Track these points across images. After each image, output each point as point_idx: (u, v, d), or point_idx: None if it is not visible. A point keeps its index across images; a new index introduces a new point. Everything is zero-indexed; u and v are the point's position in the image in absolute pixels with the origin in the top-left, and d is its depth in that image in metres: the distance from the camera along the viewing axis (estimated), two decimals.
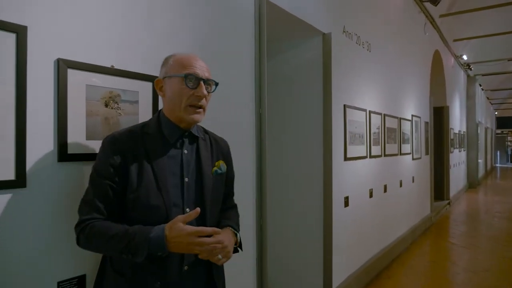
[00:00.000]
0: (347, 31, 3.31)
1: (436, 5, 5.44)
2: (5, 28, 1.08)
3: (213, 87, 1.19)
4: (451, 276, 3.91)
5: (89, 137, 1.30)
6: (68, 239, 1.23)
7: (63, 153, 1.22)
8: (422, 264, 4.29)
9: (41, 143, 1.17)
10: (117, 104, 1.39)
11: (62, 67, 1.22)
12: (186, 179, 1.16)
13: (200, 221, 1.15)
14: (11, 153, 1.10)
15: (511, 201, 8.94)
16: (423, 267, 4.19)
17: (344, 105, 3.22)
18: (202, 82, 1.14)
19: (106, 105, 1.36)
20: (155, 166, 1.11)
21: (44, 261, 1.18)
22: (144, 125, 1.18)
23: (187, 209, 1.14)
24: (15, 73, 1.11)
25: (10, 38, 1.10)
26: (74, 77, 1.25)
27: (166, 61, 1.19)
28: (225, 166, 1.30)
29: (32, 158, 1.15)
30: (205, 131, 1.31)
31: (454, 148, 8.95)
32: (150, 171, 1.10)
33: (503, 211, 7.76)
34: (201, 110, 1.16)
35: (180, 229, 1.00)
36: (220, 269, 1.26)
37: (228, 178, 1.34)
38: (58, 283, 1.22)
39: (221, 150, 1.31)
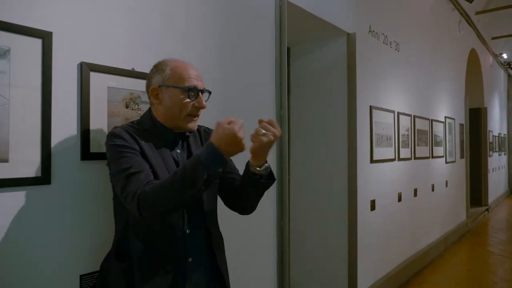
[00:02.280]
0: (373, 31, 3.25)
1: (471, 2, 5.21)
2: (32, 34, 1.15)
3: (207, 95, 1.22)
4: (487, 286, 3.71)
5: None
6: (90, 234, 1.29)
7: (86, 152, 1.28)
8: (456, 272, 4.09)
9: (65, 142, 1.24)
10: (138, 105, 1.44)
11: (85, 70, 1.28)
12: None
13: (198, 209, 1.17)
14: (37, 151, 1.17)
15: None
16: (457, 275, 3.99)
17: (370, 106, 3.15)
18: (200, 94, 1.17)
19: (127, 106, 1.41)
20: (154, 163, 1.11)
21: (67, 255, 1.23)
22: (139, 122, 1.19)
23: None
24: (41, 76, 1.18)
25: (36, 44, 1.17)
26: (96, 79, 1.31)
27: (160, 68, 1.17)
28: None
29: (56, 156, 1.21)
30: None
31: (493, 152, 8.50)
32: (162, 164, 1.13)
33: None
34: (197, 118, 1.20)
35: (217, 127, 0.99)
36: (224, 262, 1.26)
37: (230, 168, 1.30)
38: (81, 276, 1.27)
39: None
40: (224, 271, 1.24)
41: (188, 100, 1.15)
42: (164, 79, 1.16)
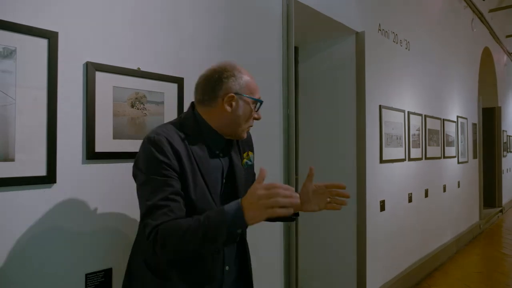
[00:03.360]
0: (383, 29, 3.20)
1: (484, 0, 5.10)
2: (38, 34, 1.16)
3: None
4: None
5: (115, 136, 1.35)
6: (95, 233, 1.29)
7: (91, 151, 1.28)
8: (468, 275, 4.01)
9: (70, 141, 1.24)
10: (143, 104, 1.44)
11: (91, 70, 1.29)
12: (224, 181, 1.15)
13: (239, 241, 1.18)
14: (43, 151, 1.18)
15: None
16: (469, 278, 3.91)
17: (380, 106, 3.11)
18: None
19: (132, 106, 1.41)
20: (204, 173, 1.06)
21: (73, 253, 1.24)
22: (182, 123, 1.11)
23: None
24: (47, 76, 1.19)
25: (42, 44, 1.18)
26: (101, 79, 1.32)
27: (235, 75, 1.11)
28: (253, 157, 1.28)
29: (62, 155, 1.22)
30: None
31: (507, 152, 8.32)
32: (201, 179, 1.06)
33: None
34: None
35: (251, 189, 0.91)
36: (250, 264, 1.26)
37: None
38: (86, 275, 1.28)
39: (247, 142, 1.28)
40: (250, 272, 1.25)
41: (253, 111, 1.14)
42: (241, 88, 1.11)
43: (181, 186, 1.01)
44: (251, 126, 1.18)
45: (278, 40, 2.12)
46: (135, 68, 1.42)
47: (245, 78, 1.13)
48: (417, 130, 3.81)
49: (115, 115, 1.36)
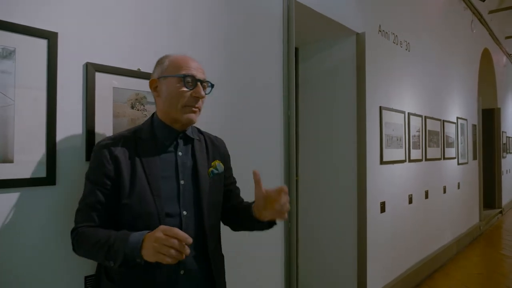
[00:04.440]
0: (383, 30, 3.20)
1: (484, 1, 5.11)
2: (37, 35, 1.15)
3: (209, 88, 1.18)
4: None
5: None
6: None
7: (91, 152, 1.27)
8: (468, 276, 4.00)
9: (70, 142, 1.23)
10: (143, 106, 1.43)
11: (90, 70, 1.28)
12: (182, 182, 1.13)
13: (198, 226, 1.13)
14: (42, 152, 1.16)
15: None
16: (469, 279, 3.91)
17: (380, 107, 3.10)
18: (199, 83, 1.13)
19: (132, 107, 1.40)
20: (148, 171, 1.08)
21: (72, 256, 1.22)
22: (137, 129, 1.16)
23: (184, 212, 1.11)
24: (47, 77, 1.18)
25: (42, 44, 1.17)
26: (101, 80, 1.31)
27: (160, 61, 1.16)
28: (222, 166, 1.25)
29: (61, 157, 1.21)
30: (200, 132, 1.28)
31: (507, 153, 8.32)
32: (143, 177, 1.08)
33: None
34: (197, 109, 1.14)
35: (157, 228, 0.93)
36: (221, 268, 1.24)
37: (227, 178, 1.30)
38: (85, 277, 1.27)
39: (217, 150, 1.27)
40: (218, 277, 1.19)
41: (185, 89, 1.10)
42: (162, 71, 1.14)
43: (115, 191, 1.06)
44: (194, 107, 1.12)
45: (278, 40, 2.12)
46: (135, 69, 1.42)
47: (170, 60, 1.14)
48: (417, 131, 3.80)
49: (115, 116, 1.35)
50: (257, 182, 1.08)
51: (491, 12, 6.30)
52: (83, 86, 1.27)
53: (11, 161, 1.10)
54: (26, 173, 1.13)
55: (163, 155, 1.14)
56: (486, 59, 6.67)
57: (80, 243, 1.04)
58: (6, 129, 1.09)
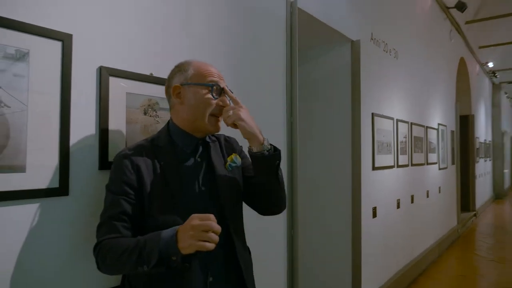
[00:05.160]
0: (374, 38, 3.26)
1: (462, 12, 5.32)
2: (52, 36, 1.09)
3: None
4: None
5: (129, 144, 1.28)
6: None
7: (104, 161, 1.21)
8: (450, 279, 4.13)
9: (83, 151, 1.17)
10: (155, 112, 1.38)
11: (104, 75, 1.22)
12: (203, 188, 1.12)
13: (224, 229, 1.07)
14: (55, 161, 1.10)
15: None
16: (453, 282, 4.03)
17: (372, 113, 3.15)
18: (223, 92, 1.13)
19: (145, 113, 1.35)
20: (170, 180, 1.06)
21: (84, 271, 1.16)
22: (154, 138, 1.14)
23: None
24: (60, 81, 1.11)
25: (56, 46, 1.10)
26: (115, 84, 1.25)
27: (182, 68, 1.14)
28: (239, 158, 1.23)
29: (74, 166, 1.14)
30: (212, 134, 1.24)
31: (479, 158, 8.67)
32: (166, 186, 1.05)
33: None
34: (220, 119, 1.15)
35: (189, 218, 0.91)
36: (250, 266, 1.20)
37: (246, 167, 1.25)
38: None
39: (231, 146, 1.25)
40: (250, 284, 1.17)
41: (211, 97, 1.10)
42: (186, 78, 1.11)
43: (138, 201, 1.03)
44: (217, 115, 1.12)
45: (282, 45, 2.11)
46: (148, 73, 1.36)
47: (194, 67, 1.12)
48: (404, 137, 3.89)
49: (128, 122, 1.29)
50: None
51: (467, 22, 6.57)
52: (96, 91, 1.21)
53: (23, 170, 1.03)
54: (38, 183, 1.06)
55: (183, 163, 1.12)
56: (462, 67, 6.95)
57: (106, 256, 0.96)
58: (19, 136, 1.02)
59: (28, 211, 1.04)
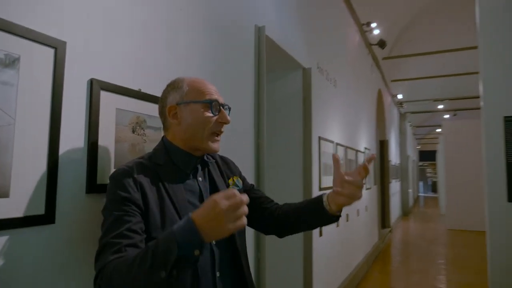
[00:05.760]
0: (320, 67, 3.49)
1: (383, 49, 6.00)
2: (45, 42, 0.96)
3: (227, 111, 1.12)
4: None
5: (116, 165, 1.17)
6: None
7: (92, 183, 1.09)
8: None
9: (70, 173, 1.03)
10: (143, 130, 1.29)
11: (96, 88, 1.11)
12: None
13: (231, 249, 1.07)
14: (43, 184, 0.95)
15: (439, 228, 9.78)
16: None
17: (319, 137, 3.33)
18: (222, 108, 1.08)
19: (133, 131, 1.25)
20: (175, 199, 0.98)
21: None
22: (151, 156, 1.05)
23: (213, 241, 1.03)
24: (51, 94, 0.98)
25: (48, 54, 0.98)
26: (105, 99, 1.14)
27: (176, 85, 1.07)
28: (240, 181, 1.21)
29: (60, 190, 1.00)
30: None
31: (392, 179, 9.64)
32: (171, 206, 0.97)
33: (435, 237, 8.45)
34: (219, 138, 1.10)
35: (205, 201, 0.79)
36: (249, 273, 1.17)
37: (249, 189, 1.25)
38: None
39: (228, 167, 1.23)
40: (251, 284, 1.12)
41: (211, 114, 1.05)
42: (182, 96, 1.05)
43: (145, 219, 0.92)
44: (218, 133, 1.07)
45: (251, 71, 2.14)
46: (136, 89, 1.28)
47: (188, 84, 1.06)
48: (342, 159, 4.17)
49: (117, 141, 1.18)
50: (337, 163, 1.05)
51: (384, 58, 7.42)
52: (86, 106, 1.09)
53: (7, 195, 0.87)
54: (22, 210, 0.90)
55: (185, 183, 1.05)
56: (379, 98, 7.77)
57: (111, 277, 0.80)
58: (4, 156, 0.87)
59: (10, 242, 0.88)
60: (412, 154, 17.29)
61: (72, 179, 1.04)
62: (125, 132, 1.21)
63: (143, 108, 1.29)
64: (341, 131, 4.27)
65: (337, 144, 3.99)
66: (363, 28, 5.47)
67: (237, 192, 0.78)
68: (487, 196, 2.46)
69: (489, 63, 2.47)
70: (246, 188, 1.23)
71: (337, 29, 4.31)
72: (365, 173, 1.02)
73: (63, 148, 1.01)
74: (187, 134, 1.05)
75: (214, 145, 1.07)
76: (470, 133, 8.67)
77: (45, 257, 0.95)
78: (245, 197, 0.78)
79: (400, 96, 10.10)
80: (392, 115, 10.39)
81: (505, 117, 2.40)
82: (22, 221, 0.90)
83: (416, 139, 20.75)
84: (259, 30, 2.20)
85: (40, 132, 0.95)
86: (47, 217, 0.96)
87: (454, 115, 12.09)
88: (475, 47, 6.56)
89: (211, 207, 0.76)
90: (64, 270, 1.00)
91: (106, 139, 1.14)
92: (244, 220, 0.79)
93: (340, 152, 4.14)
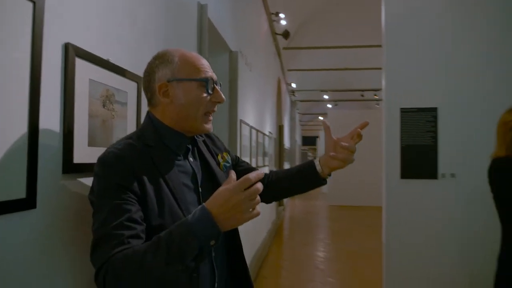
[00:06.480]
0: (241, 52, 3.56)
1: (287, 39, 6.38)
2: None
3: (220, 88, 1.07)
4: (307, 265, 4.62)
5: (90, 143, 1.05)
6: (81, 267, 0.97)
7: (69, 163, 0.96)
8: (285, 263, 4.88)
9: (47, 150, 0.90)
10: (112, 104, 1.18)
11: (71, 54, 0.97)
12: (200, 189, 1.03)
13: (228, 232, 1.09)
14: (23, 163, 0.81)
15: (322, 204, 11.05)
16: (288, 265, 4.78)
17: (240, 120, 3.43)
18: (216, 86, 1.01)
19: (104, 105, 1.13)
20: (171, 184, 0.92)
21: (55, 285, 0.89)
22: (140, 136, 0.96)
23: None
24: (30, 57, 0.83)
25: (27, 7, 0.82)
26: (80, 68, 1.01)
27: (167, 58, 0.96)
28: (229, 156, 1.18)
29: (40, 170, 0.86)
30: None
31: (284, 161, 10.44)
32: (168, 191, 0.91)
33: (319, 212, 9.55)
34: (211, 117, 1.05)
35: (221, 191, 0.77)
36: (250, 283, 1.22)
37: (236, 162, 1.24)
38: None
39: (214, 143, 1.19)
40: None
41: (205, 94, 0.97)
42: (173, 72, 0.95)
43: (143, 207, 0.86)
44: (211, 113, 1.02)
45: (194, 43, 2.09)
46: (105, 58, 1.15)
47: (181, 59, 0.97)
48: (254, 142, 4.37)
49: (90, 115, 1.06)
50: (328, 129, 1.11)
51: (284, 48, 7.89)
52: (61, 75, 0.95)
53: None
54: (3, 194, 0.76)
55: (178, 164, 0.99)
56: (278, 86, 8.26)
57: (121, 271, 0.74)
58: None
59: None
60: (298, 139, 18.91)
61: (49, 158, 0.90)
62: (96, 106, 1.09)
63: (112, 80, 1.17)
64: (254, 114, 4.45)
65: (251, 127, 4.16)
66: (272, 18, 5.71)
67: (252, 179, 0.75)
68: (384, 174, 2.93)
69: (391, 61, 2.90)
70: (233, 162, 1.21)
71: (253, 16, 4.43)
72: (358, 139, 1.12)
73: (42, 122, 0.87)
74: (180, 115, 0.97)
75: (208, 126, 1.02)
76: (350, 121, 9.92)
77: (28, 247, 0.82)
78: (259, 186, 0.76)
79: (294, 85, 10.89)
80: (286, 102, 11.16)
81: (401, 108, 2.87)
82: (3, 206, 0.76)
83: (301, 125, 22.70)
84: (202, 8, 2.14)
85: (20, 102, 0.80)
86: (28, 202, 0.82)
87: (336, 105, 13.61)
88: (360, 46, 7.45)
89: (227, 197, 0.75)
90: (46, 261, 0.87)
91: (81, 113, 1.01)
92: (259, 209, 0.79)
93: (253, 135, 4.32)
